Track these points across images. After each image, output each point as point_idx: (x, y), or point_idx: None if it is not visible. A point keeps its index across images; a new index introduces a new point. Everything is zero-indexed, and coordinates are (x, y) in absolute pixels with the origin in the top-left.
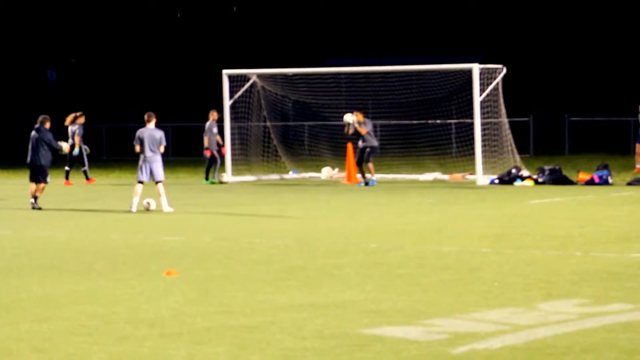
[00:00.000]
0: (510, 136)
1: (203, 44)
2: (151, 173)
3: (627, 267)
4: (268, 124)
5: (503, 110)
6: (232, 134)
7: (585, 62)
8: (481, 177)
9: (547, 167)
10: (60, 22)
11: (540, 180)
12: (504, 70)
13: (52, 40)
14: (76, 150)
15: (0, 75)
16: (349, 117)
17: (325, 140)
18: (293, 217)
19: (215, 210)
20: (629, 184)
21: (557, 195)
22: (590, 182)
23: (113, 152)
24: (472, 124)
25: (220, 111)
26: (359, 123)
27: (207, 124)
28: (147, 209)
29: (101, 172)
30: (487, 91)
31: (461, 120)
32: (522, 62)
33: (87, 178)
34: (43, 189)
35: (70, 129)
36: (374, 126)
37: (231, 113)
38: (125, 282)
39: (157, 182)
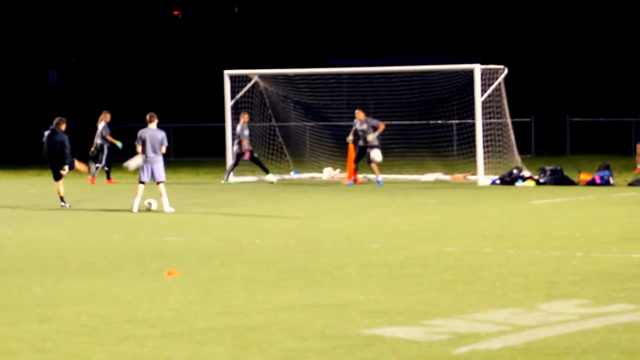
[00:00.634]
0: (512, 137)
1: (204, 44)
2: (152, 173)
3: (628, 268)
4: (273, 122)
5: (507, 111)
6: (234, 134)
7: (587, 63)
8: (482, 177)
9: (548, 168)
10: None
11: (541, 180)
12: (506, 71)
13: (53, 41)
14: (119, 144)
15: (1, 76)
16: (376, 155)
17: (326, 140)
18: (294, 218)
19: (216, 210)
20: (631, 184)
21: (558, 195)
22: (592, 183)
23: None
24: (473, 125)
25: (222, 111)
26: (361, 122)
27: (238, 127)
28: (149, 209)
29: (102, 172)
30: (489, 92)
31: (463, 121)
32: (524, 62)
33: (92, 175)
34: (62, 188)
35: (99, 128)
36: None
37: (233, 113)
38: (126, 282)
39: (158, 183)
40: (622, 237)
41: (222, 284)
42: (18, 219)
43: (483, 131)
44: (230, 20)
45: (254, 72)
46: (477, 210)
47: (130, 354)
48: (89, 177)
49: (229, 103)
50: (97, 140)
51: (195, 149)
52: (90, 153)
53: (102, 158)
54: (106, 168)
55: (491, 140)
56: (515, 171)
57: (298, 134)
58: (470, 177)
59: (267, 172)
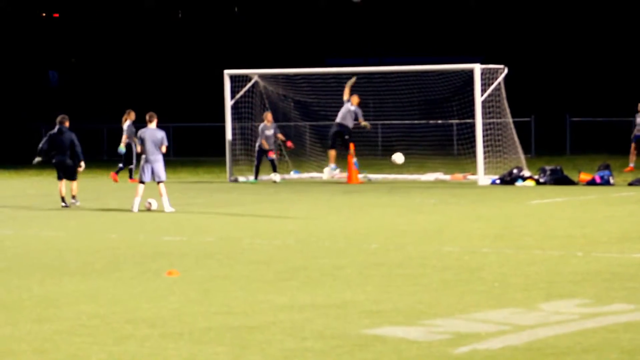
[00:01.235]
0: (515, 136)
1: (204, 44)
2: (153, 173)
3: (628, 268)
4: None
5: (507, 110)
6: (234, 134)
7: (587, 63)
8: (482, 177)
9: (548, 168)
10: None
11: (541, 180)
12: (506, 71)
13: (53, 41)
14: (121, 149)
15: (1, 76)
16: (398, 158)
17: (326, 140)
18: (294, 218)
19: (216, 210)
20: (631, 184)
21: (558, 195)
22: (592, 183)
23: (114, 152)
24: (473, 125)
25: (222, 110)
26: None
27: (260, 126)
28: (149, 209)
29: (102, 172)
30: (489, 91)
31: (463, 121)
32: (524, 62)
33: (116, 172)
34: (76, 186)
35: (125, 126)
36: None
37: (233, 113)
38: (126, 282)
39: (158, 182)
40: (622, 237)
41: (222, 284)
42: (18, 219)
43: (483, 131)
44: (230, 20)
45: (254, 72)
46: (477, 210)
47: (130, 354)
48: (112, 174)
49: (229, 103)
50: (126, 139)
51: (195, 149)
52: (118, 151)
53: (131, 157)
54: (131, 166)
55: (491, 140)
56: (515, 171)
57: (298, 134)
58: (470, 177)
59: (275, 171)
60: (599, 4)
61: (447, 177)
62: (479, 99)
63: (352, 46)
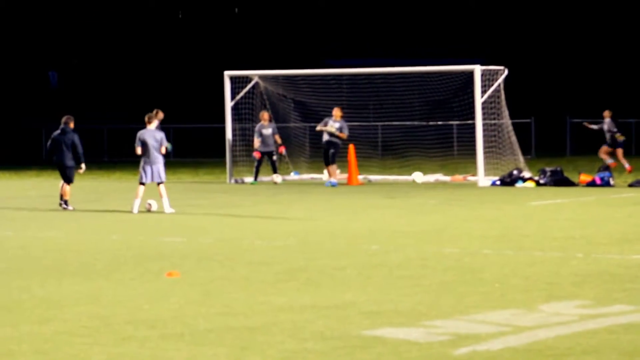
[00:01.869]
0: (514, 138)
1: (205, 45)
2: (153, 174)
3: (628, 269)
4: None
5: (506, 112)
6: (234, 135)
7: (587, 64)
8: (482, 178)
9: (548, 169)
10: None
11: (541, 181)
12: (506, 72)
13: (53, 42)
14: (169, 146)
15: (1, 76)
16: (417, 178)
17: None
18: (294, 219)
19: (216, 211)
20: (631, 185)
21: (558, 196)
22: (592, 184)
23: (114, 153)
24: (473, 126)
25: (223, 111)
26: (334, 120)
27: (257, 125)
28: (149, 210)
29: (102, 173)
30: (489, 92)
31: (463, 122)
32: (524, 63)
33: None
34: (69, 190)
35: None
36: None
37: (233, 114)
38: (127, 283)
39: (158, 184)
40: (622, 238)
41: (222, 285)
42: (18, 220)
43: (483, 132)
44: (231, 21)
45: (254, 73)
46: (477, 211)
47: (130, 355)
48: None
49: (229, 104)
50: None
51: (195, 150)
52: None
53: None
54: None
55: (491, 141)
56: (515, 172)
57: (298, 135)
58: (471, 178)
59: (275, 172)
60: (599, 4)
61: (448, 178)
62: (479, 100)
63: (352, 47)
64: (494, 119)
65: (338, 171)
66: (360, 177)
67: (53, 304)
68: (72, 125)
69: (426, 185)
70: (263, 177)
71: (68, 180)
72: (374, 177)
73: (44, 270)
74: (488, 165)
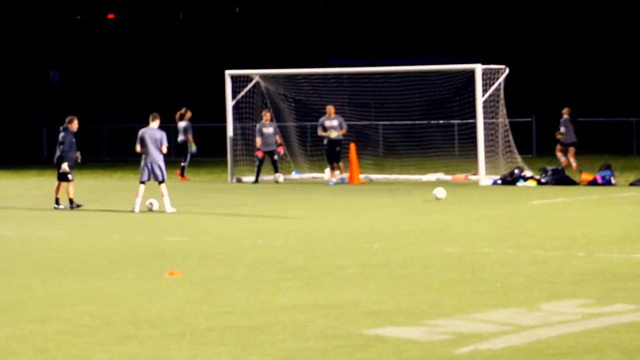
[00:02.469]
0: (510, 137)
1: (205, 44)
2: (153, 173)
3: (630, 268)
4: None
5: (504, 111)
6: (235, 135)
7: (588, 63)
8: (484, 177)
9: (549, 168)
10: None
11: (542, 180)
12: (507, 71)
13: (54, 41)
14: (193, 149)
15: (2, 75)
16: (439, 193)
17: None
18: (295, 218)
19: (217, 210)
20: (632, 184)
21: (559, 195)
22: (593, 183)
23: (115, 152)
24: (474, 125)
25: (223, 111)
26: (329, 119)
27: (258, 124)
28: (150, 210)
29: (103, 172)
30: (490, 91)
31: (464, 121)
32: (525, 62)
33: (182, 175)
34: (69, 188)
35: (179, 125)
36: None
37: (234, 113)
38: (128, 282)
39: (159, 183)
40: (624, 237)
41: (223, 284)
42: (19, 219)
43: (484, 131)
44: (231, 21)
45: (255, 72)
46: (479, 211)
47: (131, 354)
48: (179, 174)
49: (230, 103)
50: (189, 138)
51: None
52: (192, 151)
53: (187, 154)
54: (183, 164)
55: (493, 140)
56: (516, 171)
57: (299, 134)
58: (472, 177)
59: (277, 171)
60: (599, 4)
61: (449, 177)
62: (480, 99)
63: (353, 46)
64: (493, 117)
65: (338, 171)
66: (362, 176)
67: (54, 303)
68: (70, 125)
69: (428, 184)
70: (264, 177)
71: (59, 178)
72: (375, 176)
73: (44, 270)
74: (488, 164)
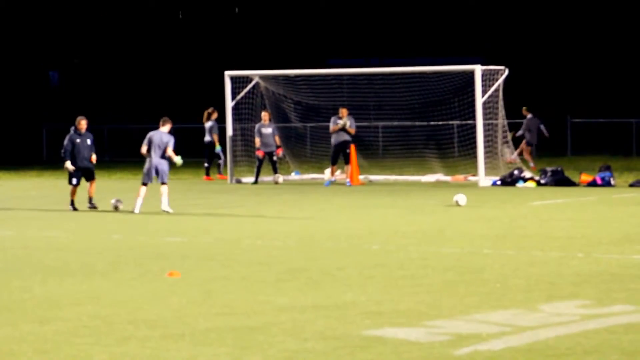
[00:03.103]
0: (509, 138)
1: (205, 44)
2: (156, 175)
3: (629, 269)
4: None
5: (503, 112)
6: (234, 135)
7: (587, 64)
8: (483, 178)
9: (549, 169)
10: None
11: (542, 181)
12: (506, 72)
13: (54, 41)
14: (218, 148)
15: (2, 76)
16: (461, 199)
17: (327, 141)
18: (295, 218)
19: (216, 211)
20: (631, 185)
21: (559, 196)
22: (593, 184)
23: (115, 153)
24: (474, 126)
25: (223, 111)
26: (340, 118)
27: (257, 125)
28: (116, 208)
29: (103, 173)
30: (490, 92)
31: (463, 122)
32: (524, 62)
33: (207, 174)
34: (94, 188)
35: (206, 126)
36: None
37: (233, 114)
38: (127, 283)
39: (162, 184)
40: (623, 238)
41: (223, 285)
42: (19, 220)
43: (484, 132)
44: (231, 21)
45: (255, 73)
46: (478, 211)
47: (131, 354)
48: (218, 175)
49: (229, 104)
50: (215, 137)
51: (196, 150)
52: (215, 150)
53: (212, 154)
54: (206, 165)
55: (492, 141)
56: (516, 172)
57: (299, 135)
58: (471, 178)
59: (276, 172)
60: (599, 4)
61: (448, 178)
62: (479, 100)
63: (353, 47)
64: (490, 118)
65: (339, 171)
66: (361, 177)
67: (54, 303)
68: (78, 126)
69: (427, 185)
70: (264, 177)
71: (92, 178)
72: (374, 177)
73: (44, 270)
74: (487, 165)
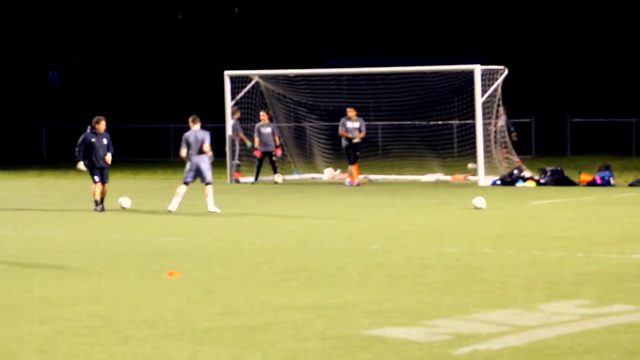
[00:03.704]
0: (507, 138)
1: (205, 45)
2: (199, 174)
3: (629, 268)
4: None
5: (501, 112)
6: (234, 135)
7: (587, 64)
8: (483, 178)
9: (549, 168)
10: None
11: (542, 181)
12: (506, 72)
13: (54, 41)
14: (249, 144)
15: (1, 76)
16: (479, 202)
17: (327, 141)
18: (295, 218)
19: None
20: (631, 184)
21: (559, 196)
22: (592, 183)
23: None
24: (474, 125)
25: (222, 111)
26: (351, 120)
27: (257, 125)
28: (122, 208)
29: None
30: (489, 92)
31: (463, 122)
32: (524, 63)
33: (237, 171)
34: (106, 190)
35: (229, 125)
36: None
37: (233, 114)
38: (127, 282)
39: (206, 184)
40: (623, 238)
41: (223, 285)
42: (18, 220)
43: (483, 132)
44: (231, 21)
45: (254, 73)
46: (478, 211)
47: (131, 354)
48: (235, 174)
49: (229, 103)
50: (241, 135)
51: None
52: (245, 147)
53: (237, 153)
54: (237, 162)
55: (489, 140)
56: (515, 172)
57: (298, 135)
58: (471, 178)
59: (276, 172)
60: (599, 4)
61: (448, 177)
62: (479, 99)
63: (352, 47)
64: (494, 118)
65: (338, 171)
66: (361, 176)
67: (53, 303)
68: (97, 126)
69: (426, 184)
70: (263, 177)
71: (106, 180)
72: (374, 177)
73: (44, 270)
74: (488, 165)
